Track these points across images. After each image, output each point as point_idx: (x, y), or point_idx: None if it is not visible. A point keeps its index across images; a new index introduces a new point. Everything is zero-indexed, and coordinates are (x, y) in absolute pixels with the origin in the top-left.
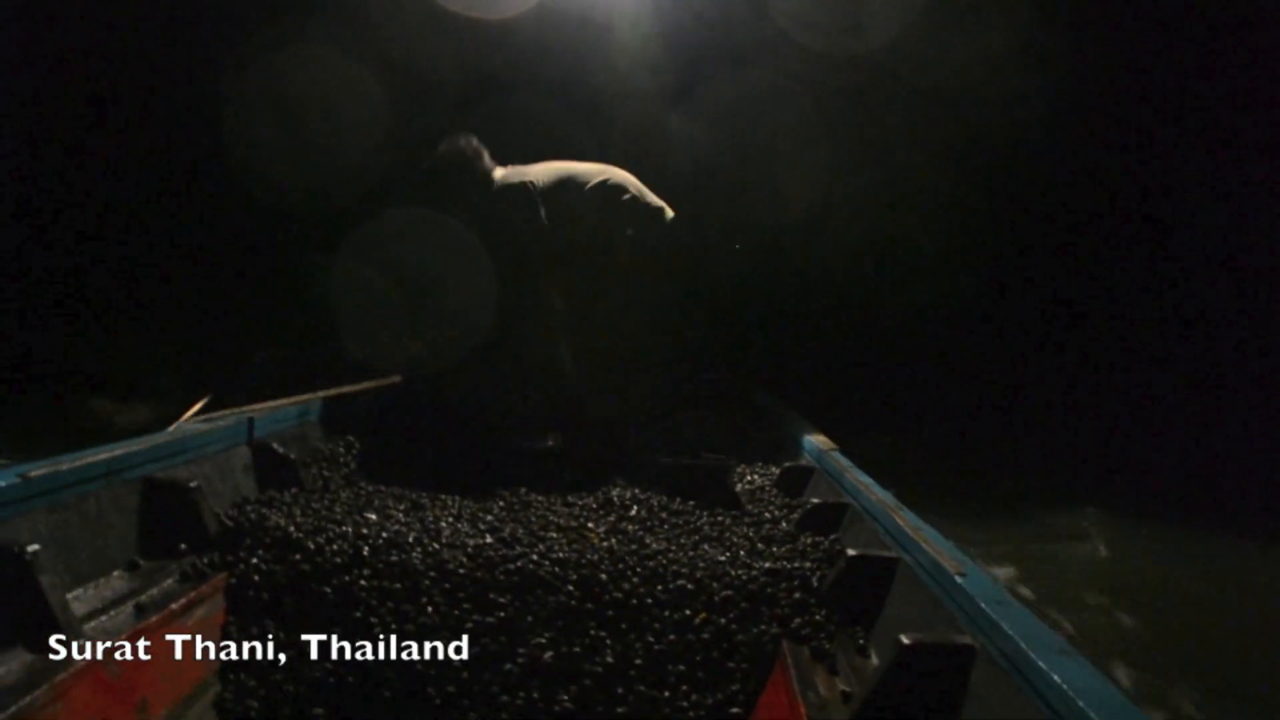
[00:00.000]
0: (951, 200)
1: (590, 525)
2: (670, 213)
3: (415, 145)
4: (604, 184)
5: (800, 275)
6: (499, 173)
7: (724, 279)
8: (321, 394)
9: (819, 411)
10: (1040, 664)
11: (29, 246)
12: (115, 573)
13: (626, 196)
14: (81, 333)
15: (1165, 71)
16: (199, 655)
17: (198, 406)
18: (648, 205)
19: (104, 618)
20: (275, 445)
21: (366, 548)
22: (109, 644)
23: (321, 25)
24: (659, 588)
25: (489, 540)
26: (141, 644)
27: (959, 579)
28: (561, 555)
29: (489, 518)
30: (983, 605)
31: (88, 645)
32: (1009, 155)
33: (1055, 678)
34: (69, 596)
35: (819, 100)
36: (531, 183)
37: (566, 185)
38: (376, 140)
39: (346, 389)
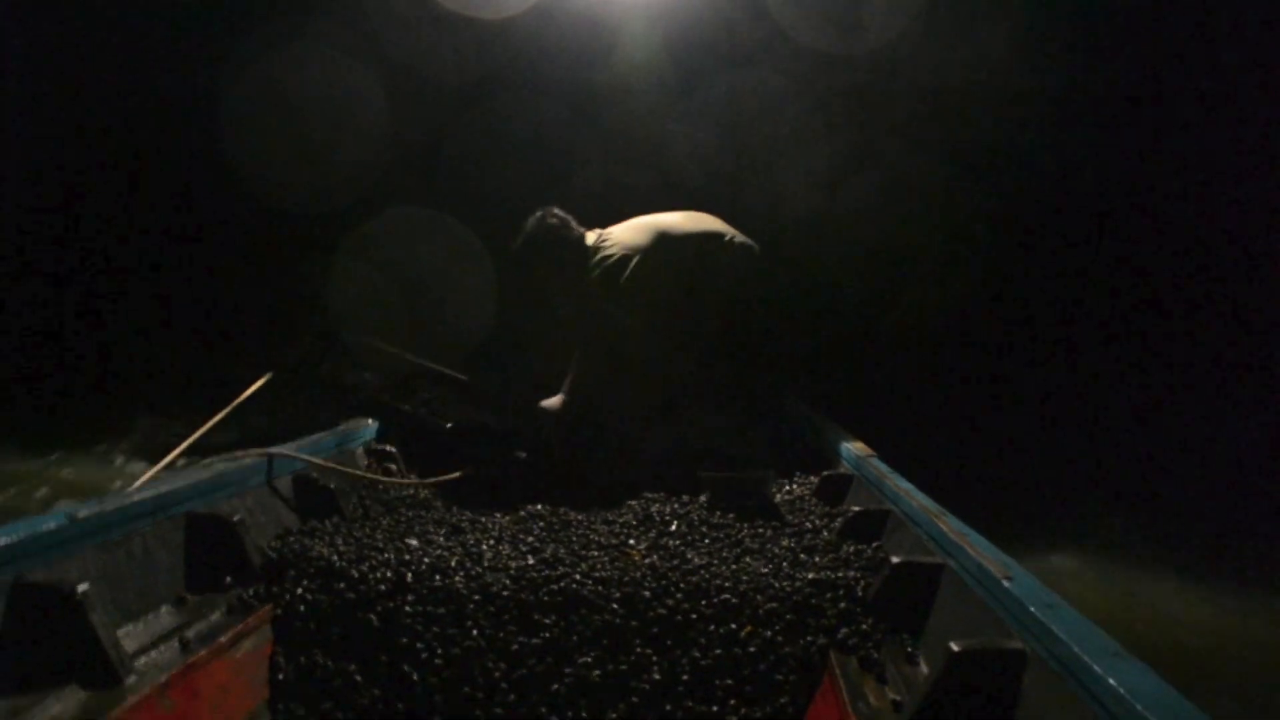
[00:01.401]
0: (952, 200)
1: (631, 542)
2: (756, 248)
3: (415, 145)
4: (699, 233)
5: (799, 276)
6: (591, 238)
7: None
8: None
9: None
10: (1095, 668)
11: (30, 250)
12: (163, 608)
13: (723, 241)
14: (78, 337)
15: (1167, 71)
16: (248, 687)
17: (258, 384)
18: (738, 244)
19: (154, 653)
20: (315, 475)
21: (410, 574)
22: (161, 679)
23: (321, 24)
24: (703, 603)
25: (531, 561)
26: (192, 678)
27: (1006, 583)
28: (604, 574)
29: (529, 539)
30: (1032, 609)
31: (140, 681)
32: (1010, 155)
33: (1112, 681)
34: (119, 633)
35: (819, 100)
36: (628, 253)
37: (663, 241)
38: (376, 140)
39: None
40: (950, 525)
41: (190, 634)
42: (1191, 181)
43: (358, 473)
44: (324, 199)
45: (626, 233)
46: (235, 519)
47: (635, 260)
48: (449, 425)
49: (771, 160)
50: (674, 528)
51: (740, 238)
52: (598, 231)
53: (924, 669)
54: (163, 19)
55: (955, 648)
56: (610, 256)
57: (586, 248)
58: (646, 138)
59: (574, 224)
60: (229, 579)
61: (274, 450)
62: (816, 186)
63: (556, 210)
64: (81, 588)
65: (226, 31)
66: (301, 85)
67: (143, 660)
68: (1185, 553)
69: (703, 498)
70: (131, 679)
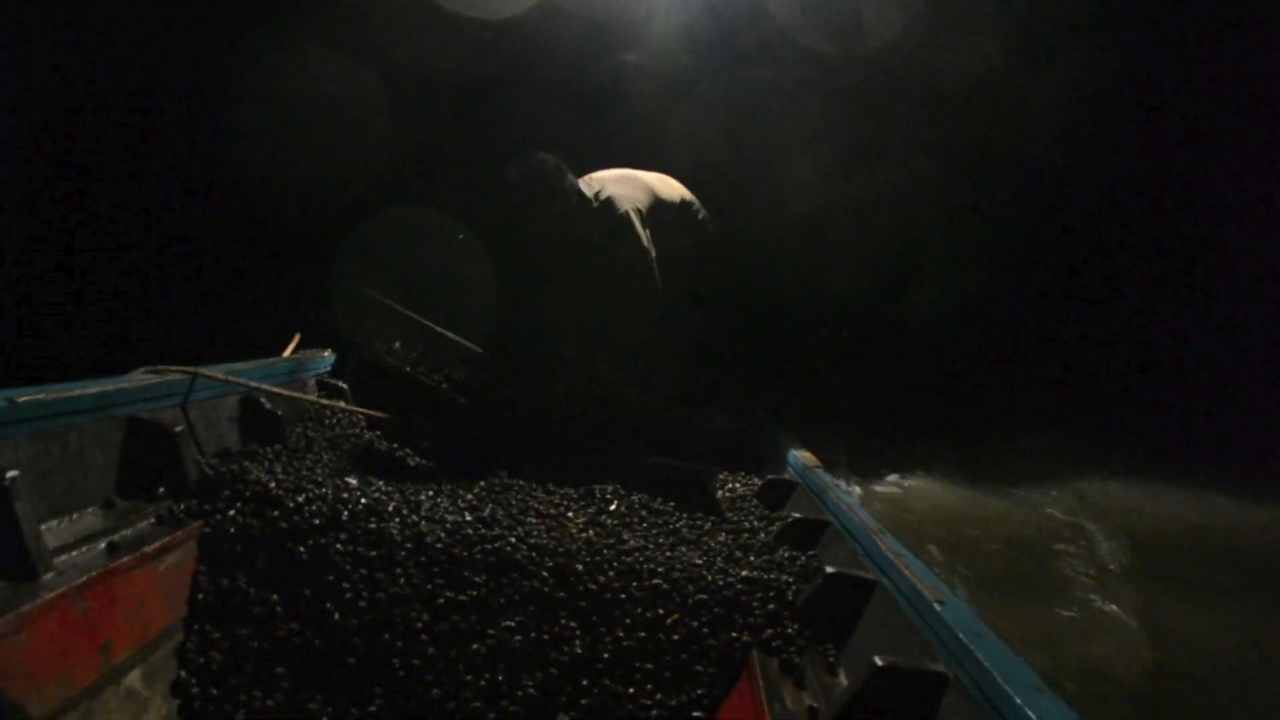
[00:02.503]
0: (952, 200)
1: (570, 515)
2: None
3: (415, 145)
4: (680, 200)
5: (800, 276)
6: (587, 187)
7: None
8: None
9: (815, 411)
10: (1016, 699)
11: (27, 245)
12: (90, 509)
13: (701, 215)
14: (77, 336)
15: (1164, 69)
16: (166, 602)
17: (291, 345)
18: (704, 215)
19: (75, 553)
20: (263, 400)
21: (345, 512)
22: (78, 580)
23: (321, 25)
24: (634, 584)
25: (468, 518)
26: (110, 584)
27: (937, 607)
28: (539, 541)
29: (469, 496)
30: (960, 635)
31: (57, 579)
32: (1010, 155)
33: (1031, 714)
34: (42, 527)
35: (819, 100)
36: (639, 209)
37: (659, 206)
38: (376, 140)
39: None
40: (888, 544)
41: (115, 539)
42: (1189, 178)
43: (330, 403)
44: (324, 199)
45: (621, 186)
46: (177, 429)
47: (644, 211)
48: (463, 400)
49: (773, 160)
50: (614, 507)
51: (703, 210)
52: (600, 182)
53: (843, 680)
54: (163, 18)
55: (879, 662)
56: (620, 213)
57: (580, 195)
58: (647, 138)
59: (569, 172)
60: (162, 490)
61: (231, 377)
62: (817, 186)
63: (552, 157)
64: (10, 474)
65: (227, 31)
66: (302, 85)
67: (63, 558)
68: None
69: (645, 482)
70: (49, 575)
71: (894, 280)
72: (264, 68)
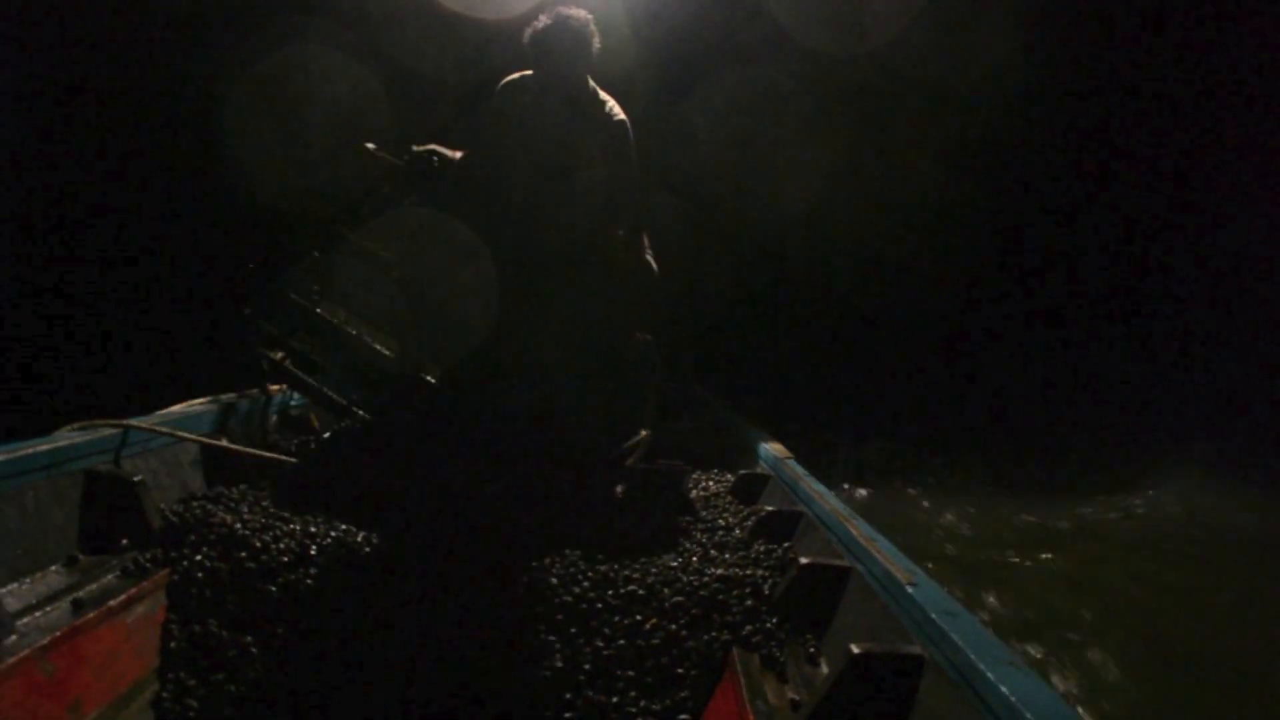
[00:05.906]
0: (951, 197)
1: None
2: None
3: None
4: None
5: (800, 273)
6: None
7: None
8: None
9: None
10: (989, 675)
11: (19, 244)
12: (53, 568)
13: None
14: (72, 336)
15: (1160, 69)
16: (137, 654)
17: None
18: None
19: (38, 614)
20: (224, 440)
21: (314, 546)
22: (41, 641)
23: (322, 25)
24: (610, 592)
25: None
26: (77, 642)
27: (910, 589)
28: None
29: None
30: (933, 615)
31: (19, 642)
32: (1009, 153)
33: (1004, 689)
34: (2, 591)
35: (820, 99)
36: None
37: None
38: (377, 139)
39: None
40: (860, 530)
41: (80, 595)
42: (1186, 172)
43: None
44: (323, 198)
45: None
46: (136, 479)
47: None
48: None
49: (772, 158)
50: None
51: None
52: None
53: (825, 669)
54: (163, 20)
55: (855, 650)
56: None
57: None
58: (647, 137)
59: None
60: (125, 541)
61: (167, 430)
62: (817, 185)
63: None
64: None
65: (228, 32)
66: (303, 85)
67: (25, 621)
68: None
69: (618, 489)
70: (11, 639)
71: (895, 276)
72: (263, 68)
